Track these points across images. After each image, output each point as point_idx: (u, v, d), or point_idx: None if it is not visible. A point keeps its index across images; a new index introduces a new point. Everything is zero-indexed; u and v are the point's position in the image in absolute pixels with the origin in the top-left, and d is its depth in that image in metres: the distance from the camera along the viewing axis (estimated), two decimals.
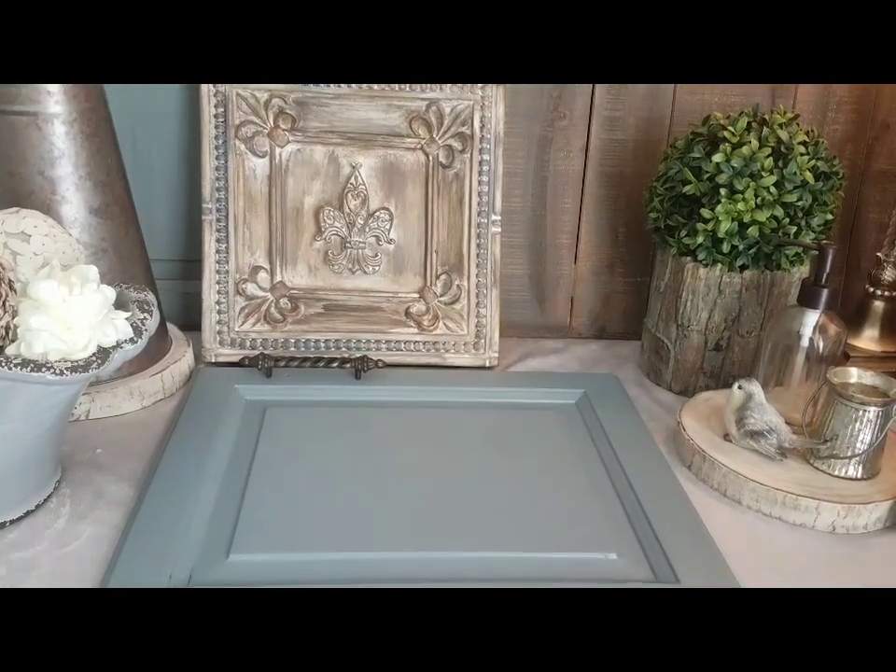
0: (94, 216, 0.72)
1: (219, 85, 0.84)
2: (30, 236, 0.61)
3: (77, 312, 0.58)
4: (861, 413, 0.69)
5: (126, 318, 0.62)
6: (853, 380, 0.72)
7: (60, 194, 0.70)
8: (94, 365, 0.58)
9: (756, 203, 0.77)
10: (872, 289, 0.91)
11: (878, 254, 0.90)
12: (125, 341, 0.61)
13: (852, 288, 1.00)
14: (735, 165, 0.77)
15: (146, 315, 0.64)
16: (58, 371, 0.56)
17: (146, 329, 0.63)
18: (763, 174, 0.77)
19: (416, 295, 0.90)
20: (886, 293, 0.90)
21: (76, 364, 0.57)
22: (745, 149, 0.77)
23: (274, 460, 0.70)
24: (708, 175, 0.78)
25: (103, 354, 0.59)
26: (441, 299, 0.91)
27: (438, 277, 0.90)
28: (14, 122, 0.67)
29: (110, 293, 0.61)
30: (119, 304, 0.64)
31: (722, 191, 0.78)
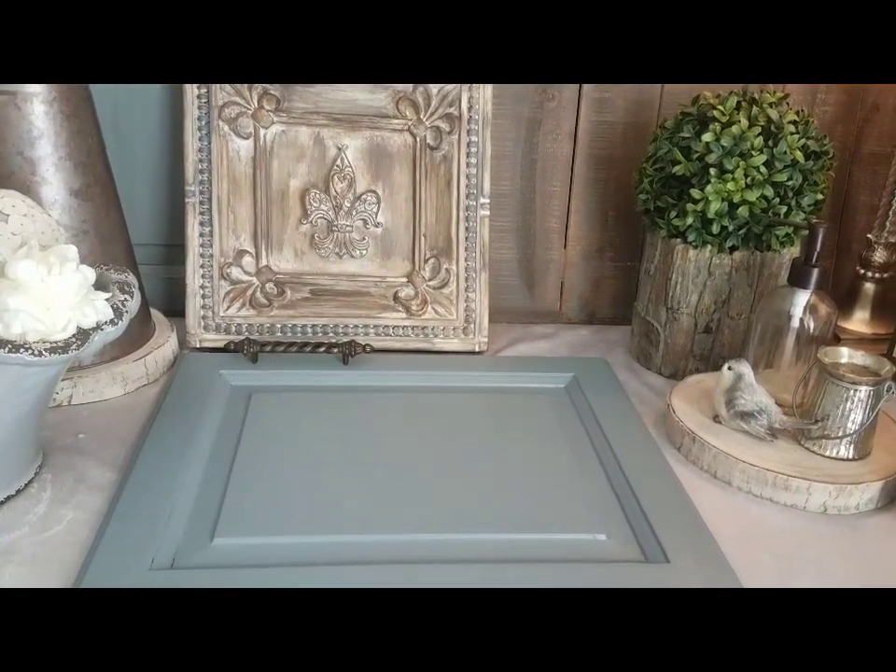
0: (75, 197, 0.71)
1: None
2: (8, 216, 0.60)
3: (55, 292, 0.57)
4: (852, 392, 0.68)
5: (106, 299, 0.60)
6: (844, 360, 0.72)
7: (39, 175, 0.69)
8: (74, 346, 0.57)
9: (746, 183, 0.76)
10: (862, 271, 0.90)
11: (869, 235, 0.89)
12: (105, 322, 0.60)
13: (843, 270, 0.99)
14: (725, 145, 0.76)
15: (126, 296, 0.63)
16: (36, 352, 0.55)
17: (126, 311, 0.62)
18: (752, 153, 0.76)
19: (405, 279, 0.89)
20: (876, 275, 0.90)
21: (55, 345, 0.56)
22: (734, 128, 0.76)
23: (260, 445, 0.69)
24: (698, 154, 0.78)
25: (82, 335, 0.58)
26: (430, 283, 0.90)
27: (426, 261, 0.89)
28: None
29: (90, 273, 0.60)
30: (100, 285, 0.63)
31: (712, 171, 0.77)
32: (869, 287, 0.90)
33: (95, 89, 0.82)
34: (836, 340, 0.89)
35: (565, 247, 0.99)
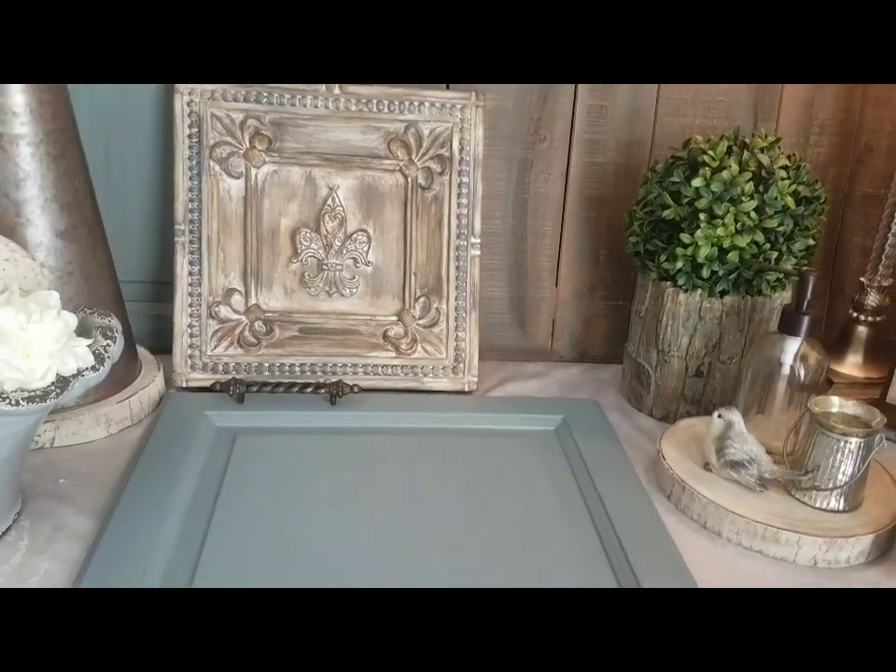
0: (60, 238, 0.70)
1: (193, 105, 0.83)
2: None
3: (35, 340, 0.56)
4: (842, 443, 0.68)
5: (88, 345, 0.60)
6: (835, 409, 0.71)
7: (25, 217, 0.68)
8: (53, 394, 0.57)
9: (736, 229, 0.76)
10: (855, 314, 0.90)
11: (861, 279, 0.89)
12: (86, 368, 0.59)
13: (836, 313, 0.99)
14: (715, 190, 0.76)
15: (109, 341, 0.62)
16: (14, 402, 0.55)
17: (108, 356, 0.62)
18: (743, 198, 0.76)
19: (394, 318, 0.89)
20: (869, 318, 0.89)
21: (32, 394, 0.56)
22: (725, 174, 0.76)
23: (242, 491, 0.68)
24: (688, 199, 0.77)
25: (62, 382, 0.58)
26: (420, 322, 0.89)
27: (416, 300, 0.89)
28: None
29: (71, 320, 0.59)
30: (83, 330, 0.63)
31: (702, 216, 0.77)
32: (862, 330, 0.90)
33: (86, 127, 0.82)
34: (829, 384, 0.89)
35: (556, 286, 0.98)
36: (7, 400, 0.54)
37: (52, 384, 0.57)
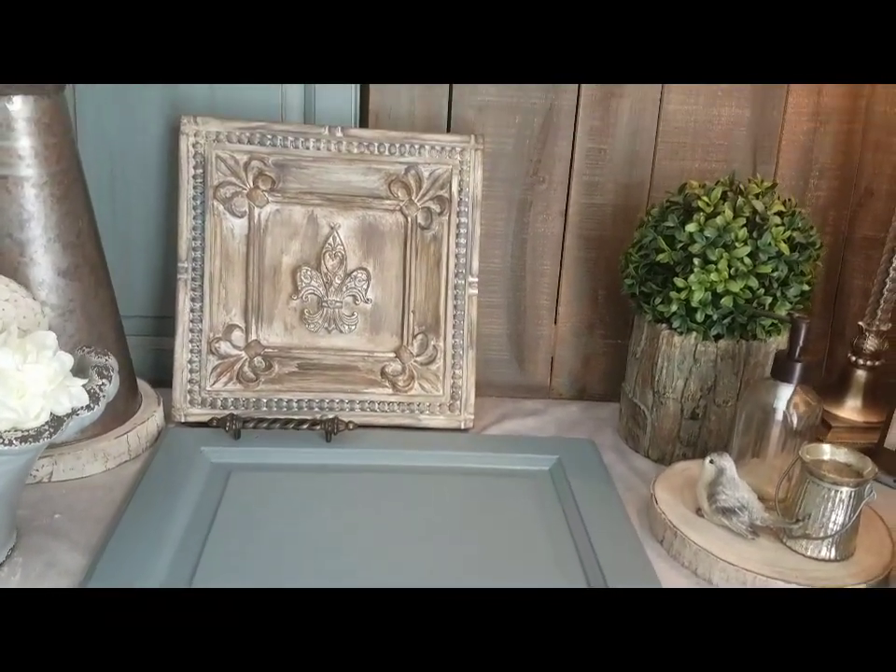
0: (62, 277, 0.72)
1: (199, 146, 0.84)
2: None
3: (30, 380, 0.58)
4: (833, 493, 0.67)
5: (83, 385, 0.61)
6: (826, 457, 0.70)
7: (28, 256, 0.70)
8: (46, 434, 0.58)
9: (730, 274, 0.77)
10: (854, 358, 0.90)
11: (860, 323, 0.89)
12: (81, 407, 0.61)
13: (836, 355, 0.98)
14: (709, 235, 0.76)
15: (104, 380, 0.63)
16: (7, 442, 0.56)
17: (103, 395, 0.63)
18: (736, 244, 0.76)
19: (392, 354, 0.90)
20: (868, 363, 0.89)
21: (26, 433, 0.57)
22: (718, 219, 0.76)
23: (233, 529, 0.68)
24: (682, 244, 0.78)
25: (56, 422, 0.59)
26: (418, 359, 0.90)
27: (414, 337, 0.90)
28: None
29: (67, 360, 0.61)
30: (80, 369, 0.64)
31: (696, 261, 0.77)
32: (861, 374, 0.89)
33: (93, 166, 0.84)
34: (827, 428, 0.88)
35: (555, 323, 0.99)
36: (1, 441, 0.55)
37: (46, 423, 0.58)
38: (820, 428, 0.88)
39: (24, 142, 0.68)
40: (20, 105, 0.67)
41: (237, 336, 0.87)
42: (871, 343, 0.88)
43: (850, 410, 0.89)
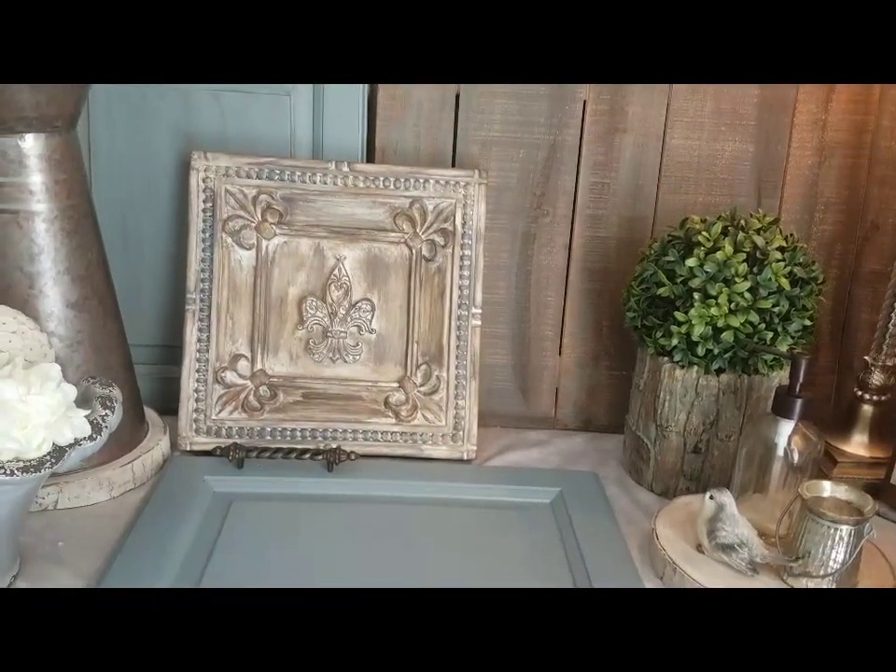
0: (71, 309, 0.74)
1: (208, 181, 0.86)
2: None
3: (33, 411, 0.59)
4: (833, 531, 0.67)
5: (86, 416, 0.62)
6: (826, 493, 0.70)
7: (37, 288, 0.72)
8: (48, 464, 0.59)
9: (730, 308, 0.77)
10: (861, 393, 0.89)
11: (866, 357, 0.88)
12: (83, 438, 0.62)
13: (844, 388, 0.97)
14: (709, 270, 0.77)
15: (107, 411, 0.65)
16: (9, 472, 0.57)
17: (106, 426, 0.64)
18: (736, 279, 0.76)
19: (396, 384, 0.91)
20: (874, 397, 0.88)
21: (28, 464, 0.58)
22: (719, 254, 0.77)
23: (232, 559, 0.69)
24: (682, 278, 0.78)
25: (58, 452, 0.60)
26: (421, 389, 0.91)
27: (418, 367, 0.91)
28: None
29: (70, 391, 0.62)
30: (84, 399, 0.65)
31: (696, 295, 0.77)
32: (867, 409, 0.88)
33: (106, 200, 0.87)
34: (833, 462, 0.87)
35: (560, 354, 0.99)
36: (3, 470, 0.57)
37: (48, 453, 0.59)
38: (826, 463, 0.87)
39: (36, 178, 0.70)
40: (31, 143, 0.69)
41: (243, 365, 0.88)
42: (877, 378, 0.87)
43: (857, 445, 0.88)
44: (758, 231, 0.79)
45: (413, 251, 0.90)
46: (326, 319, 0.90)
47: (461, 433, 0.90)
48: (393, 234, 0.90)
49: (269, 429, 0.88)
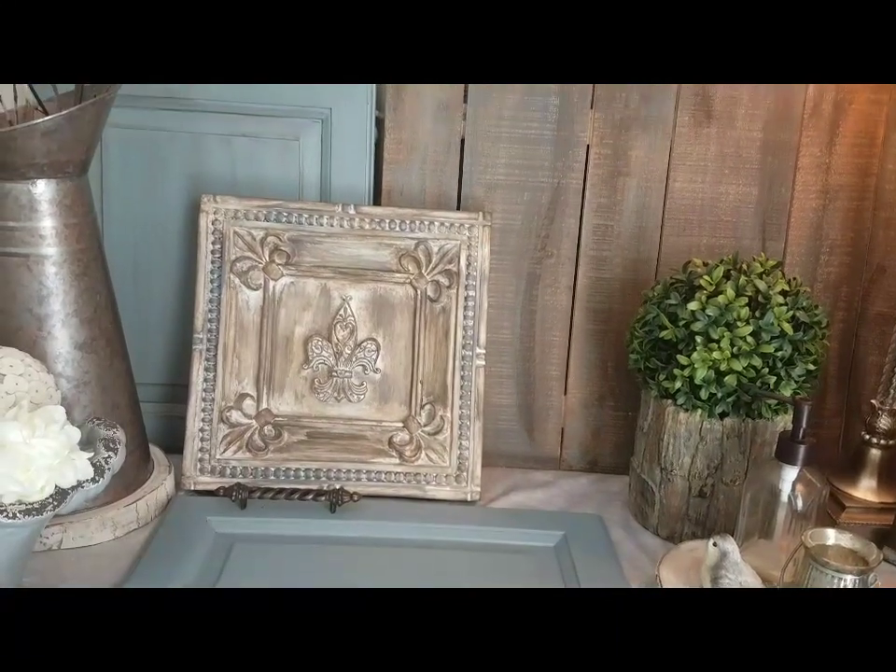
0: (79, 350, 0.75)
1: (217, 223, 0.88)
2: (4, 375, 0.64)
3: (37, 454, 0.60)
4: (836, 580, 0.66)
5: (89, 458, 0.63)
6: (831, 542, 0.69)
7: (46, 330, 0.73)
8: (50, 507, 0.60)
9: (732, 353, 0.76)
10: (868, 437, 0.88)
11: (873, 401, 0.87)
12: (86, 480, 0.63)
13: (852, 431, 0.97)
14: (711, 314, 0.77)
15: (111, 453, 0.65)
16: (11, 515, 0.58)
17: (108, 468, 0.65)
18: (738, 323, 0.76)
19: (400, 424, 0.91)
20: (882, 441, 0.87)
21: (30, 506, 0.59)
22: (720, 298, 0.77)
23: None
24: (685, 321, 0.78)
25: (60, 495, 0.61)
26: (425, 429, 0.91)
27: (422, 407, 0.91)
28: (6, 263, 0.72)
29: (74, 434, 0.63)
30: (88, 441, 0.66)
31: (698, 339, 0.77)
32: (875, 453, 0.87)
33: (117, 242, 0.89)
34: (841, 507, 0.86)
35: (565, 394, 0.99)
36: (5, 513, 0.57)
37: (51, 496, 0.60)
38: (834, 508, 0.86)
39: (47, 222, 0.72)
40: (43, 188, 0.71)
41: (248, 405, 0.89)
42: (884, 422, 0.87)
43: (865, 490, 0.87)
44: (760, 275, 0.79)
45: (418, 292, 0.91)
46: (331, 359, 0.90)
47: (465, 474, 0.90)
48: (398, 275, 0.91)
49: (273, 469, 0.88)
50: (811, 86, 0.91)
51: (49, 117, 0.68)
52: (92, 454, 0.64)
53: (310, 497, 0.84)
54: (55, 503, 0.60)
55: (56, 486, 0.61)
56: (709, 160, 0.92)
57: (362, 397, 0.91)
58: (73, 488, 0.62)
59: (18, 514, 0.58)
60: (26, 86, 0.70)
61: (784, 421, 0.81)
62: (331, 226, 0.90)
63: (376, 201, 0.93)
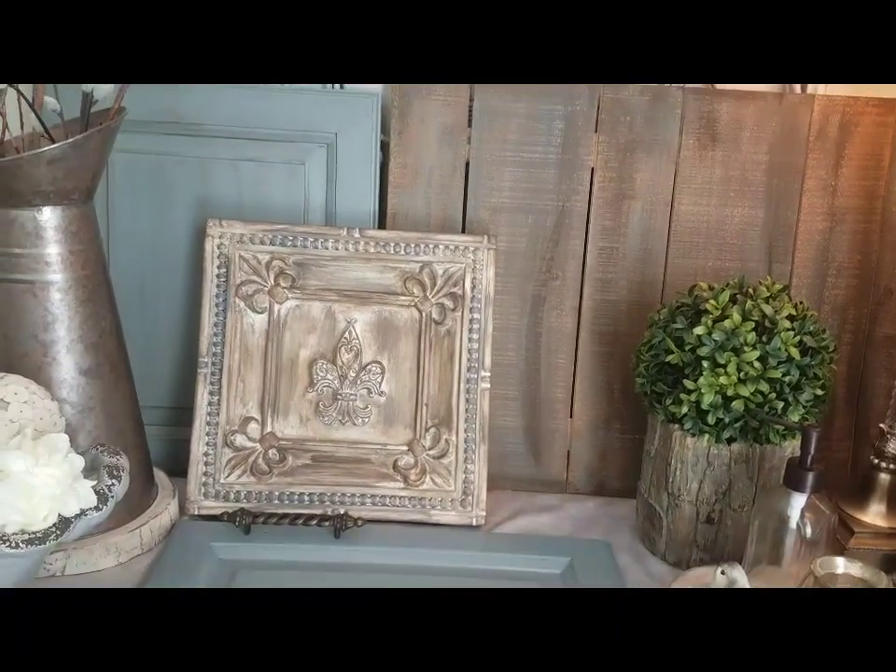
0: (84, 376, 0.75)
1: (223, 247, 0.88)
2: (8, 403, 0.64)
3: (40, 482, 0.60)
4: None
5: (93, 486, 0.63)
6: (840, 570, 0.68)
7: (51, 356, 0.73)
8: (53, 536, 0.60)
9: (739, 378, 0.76)
10: (877, 461, 0.87)
11: (881, 425, 0.86)
12: (89, 508, 0.62)
13: (861, 455, 0.96)
14: (717, 339, 0.76)
15: (114, 480, 0.65)
16: (13, 545, 0.58)
17: (112, 496, 0.65)
18: (745, 348, 0.76)
19: (405, 447, 0.90)
20: (891, 466, 0.86)
21: (33, 536, 0.59)
22: (727, 323, 0.76)
23: None
24: (691, 346, 0.78)
25: (63, 524, 0.61)
26: (430, 452, 0.90)
27: (427, 430, 0.91)
28: (12, 289, 0.72)
29: (78, 462, 0.63)
30: (92, 468, 0.66)
31: (705, 364, 0.77)
32: (884, 477, 0.86)
33: (123, 267, 0.89)
34: (850, 533, 0.85)
35: (571, 417, 0.98)
36: (8, 543, 0.57)
37: (53, 525, 0.60)
38: (844, 533, 0.85)
39: (52, 249, 0.72)
40: (48, 215, 0.71)
41: (253, 428, 0.89)
42: (893, 447, 0.85)
43: (874, 515, 0.86)
44: (767, 300, 0.79)
45: (423, 314, 0.91)
46: (336, 382, 0.90)
47: (470, 498, 0.90)
48: (403, 298, 0.90)
49: (277, 493, 0.88)
50: (816, 108, 0.91)
51: (55, 144, 0.68)
52: (96, 481, 0.64)
53: (314, 522, 0.83)
54: (58, 532, 0.60)
55: (59, 515, 0.61)
56: (715, 182, 0.92)
57: (367, 420, 0.90)
58: (76, 517, 0.62)
59: (20, 544, 0.58)
60: (32, 114, 0.70)
61: (792, 446, 0.80)
62: (336, 249, 0.90)
63: (381, 224, 0.93)
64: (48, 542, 0.59)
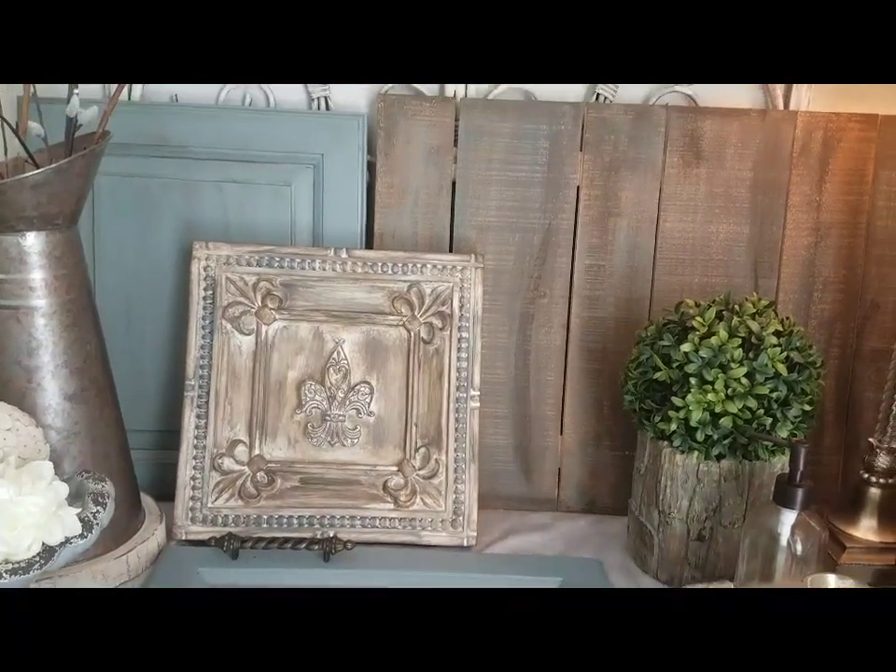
0: (69, 401, 0.75)
1: (209, 269, 0.88)
2: None
3: (24, 511, 0.59)
4: None
5: (77, 513, 0.62)
6: (831, 587, 0.68)
7: (35, 382, 0.73)
8: (37, 566, 0.59)
9: (727, 394, 0.76)
10: (867, 476, 0.87)
11: (871, 440, 0.87)
12: (74, 536, 0.62)
13: (851, 468, 0.96)
14: (704, 356, 0.76)
15: (99, 507, 0.65)
16: None
17: (97, 524, 0.64)
18: (732, 365, 0.76)
19: (395, 468, 0.90)
20: (881, 480, 0.86)
21: (16, 566, 0.58)
22: (713, 340, 0.77)
23: None
24: (678, 363, 0.78)
25: (47, 553, 0.60)
26: (420, 472, 0.90)
27: (417, 450, 0.90)
28: None
29: (62, 489, 0.62)
30: (77, 495, 0.65)
31: (692, 380, 0.77)
32: (875, 492, 0.86)
33: (111, 290, 0.88)
34: (842, 548, 0.85)
35: (561, 434, 0.98)
36: None
37: (37, 554, 0.59)
38: (835, 548, 0.85)
39: (36, 274, 0.72)
40: (32, 240, 0.71)
41: (241, 451, 0.88)
42: (882, 461, 0.85)
43: (866, 529, 0.86)
44: (753, 316, 0.79)
45: (412, 334, 0.90)
46: (324, 403, 0.90)
47: (461, 518, 0.89)
48: (391, 317, 0.90)
49: (265, 517, 0.87)
50: (799, 124, 0.91)
51: (39, 170, 0.68)
52: (80, 508, 0.63)
53: (303, 546, 0.83)
54: (42, 561, 0.59)
55: (43, 544, 0.60)
56: (699, 199, 0.92)
57: (356, 441, 0.90)
58: (60, 545, 0.61)
59: (4, 574, 0.57)
60: (16, 139, 0.70)
61: (782, 462, 0.80)
62: (324, 270, 0.90)
63: (368, 244, 0.93)
64: (31, 572, 0.58)
